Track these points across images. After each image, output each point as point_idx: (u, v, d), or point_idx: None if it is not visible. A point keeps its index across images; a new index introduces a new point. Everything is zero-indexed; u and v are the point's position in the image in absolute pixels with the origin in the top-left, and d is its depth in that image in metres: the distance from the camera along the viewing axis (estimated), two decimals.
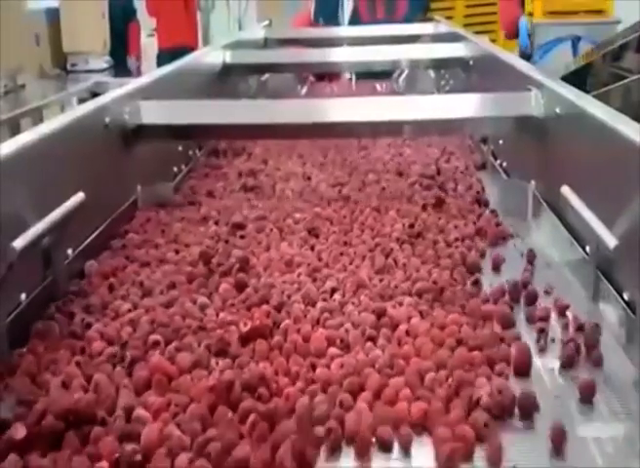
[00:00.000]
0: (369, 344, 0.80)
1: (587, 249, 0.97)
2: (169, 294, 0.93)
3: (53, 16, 4.54)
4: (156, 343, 0.80)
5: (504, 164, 1.51)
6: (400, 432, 0.65)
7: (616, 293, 0.88)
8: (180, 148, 1.60)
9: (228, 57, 2.16)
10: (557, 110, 1.16)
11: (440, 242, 1.10)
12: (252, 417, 0.66)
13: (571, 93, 1.15)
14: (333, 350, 0.79)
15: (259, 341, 0.80)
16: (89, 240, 1.08)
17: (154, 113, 1.33)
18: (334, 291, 0.94)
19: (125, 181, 1.28)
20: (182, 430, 0.65)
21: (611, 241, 0.85)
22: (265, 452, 0.62)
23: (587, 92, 2.45)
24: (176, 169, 1.55)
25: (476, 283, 0.96)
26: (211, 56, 2.09)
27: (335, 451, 0.64)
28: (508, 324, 0.85)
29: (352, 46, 2.64)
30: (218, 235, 1.15)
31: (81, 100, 3.98)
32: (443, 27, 2.81)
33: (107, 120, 1.20)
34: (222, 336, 0.80)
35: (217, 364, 0.76)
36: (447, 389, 0.71)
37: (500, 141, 1.55)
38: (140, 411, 0.68)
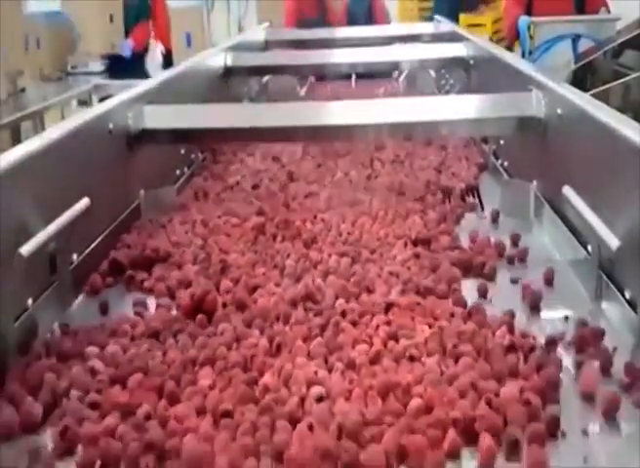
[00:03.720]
0: (349, 208, 1.29)
1: (589, 248, 0.97)
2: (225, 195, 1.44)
3: (53, 19, 4.55)
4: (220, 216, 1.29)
5: (506, 164, 1.51)
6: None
7: (617, 292, 0.88)
8: (183, 151, 1.61)
9: (230, 59, 2.17)
10: (558, 111, 1.17)
11: (416, 169, 1.56)
12: (279, 238, 1.17)
13: (572, 93, 1.16)
14: (329, 210, 1.28)
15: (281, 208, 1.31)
16: (94, 245, 1.09)
17: (157, 118, 1.34)
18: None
19: (128, 186, 1.29)
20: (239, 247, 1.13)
21: (613, 241, 0.85)
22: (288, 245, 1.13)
23: (587, 90, 2.46)
24: (178, 172, 1.56)
25: (430, 190, 1.40)
26: (212, 58, 2.09)
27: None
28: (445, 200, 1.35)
29: (353, 47, 2.65)
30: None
31: (81, 103, 3.99)
32: (443, 27, 2.81)
33: (111, 125, 1.21)
34: (261, 208, 1.30)
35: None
36: (393, 217, 1.23)
37: (502, 141, 1.55)
38: (208, 243, 1.14)
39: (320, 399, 0.72)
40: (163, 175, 1.47)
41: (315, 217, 1.24)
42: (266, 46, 2.81)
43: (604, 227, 0.89)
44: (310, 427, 0.67)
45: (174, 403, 0.73)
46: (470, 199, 1.38)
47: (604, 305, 0.92)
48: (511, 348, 0.79)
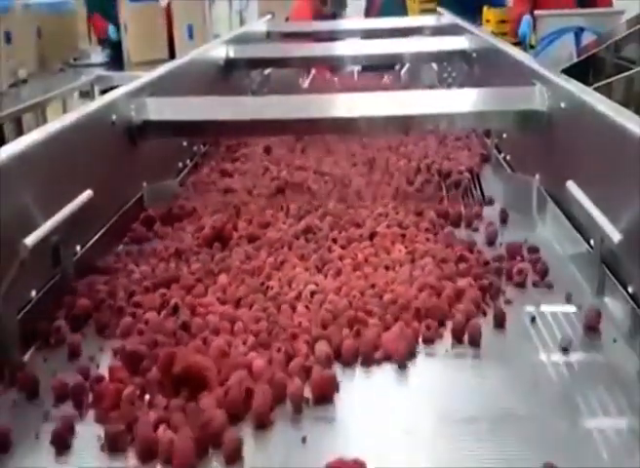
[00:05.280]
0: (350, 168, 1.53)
1: (592, 242, 0.97)
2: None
3: (55, 9, 4.53)
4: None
5: (508, 157, 1.51)
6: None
7: (620, 287, 0.88)
8: (185, 143, 1.61)
9: (231, 51, 2.16)
10: (562, 104, 1.16)
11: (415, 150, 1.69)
12: (288, 191, 1.38)
13: (576, 87, 1.15)
14: (333, 169, 1.51)
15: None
16: (97, 236, 1.09)
17: (160, 110, 1.33)
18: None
19: (131, 178, 1.29)
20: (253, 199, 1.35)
21: (615, 235, 0.85)
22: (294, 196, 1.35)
23: (590, 83, 2.45)
24: (181, 164, 1.56)
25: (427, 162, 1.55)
26: (214, 50, 2.09)
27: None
28: None
29: (355, 39, 2.64)
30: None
31: (83, 94, 3.97)
32: (445, 19, 2.80)
33: (114, 117, 1.21)
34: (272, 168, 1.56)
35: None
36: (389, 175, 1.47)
37: (504, 135, 1.55)
38: (227, 197, 1.35)
39: (314, 292, 0.92)
40: (166, 166, 1.47)
41: (319, 175, 1.47)
42: (268, 38, 2.80)
43: (607, 221, 0.89)
44: (307, 307, 0.89)
45: (199, 297, 0.93)
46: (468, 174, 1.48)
47: (607, 300, 0.92)
48: (462, 258, 1.02)
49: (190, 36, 5.29)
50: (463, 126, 1.57)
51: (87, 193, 1.01)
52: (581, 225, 1.04)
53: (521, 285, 0.98)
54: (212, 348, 0.78)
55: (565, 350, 0.82)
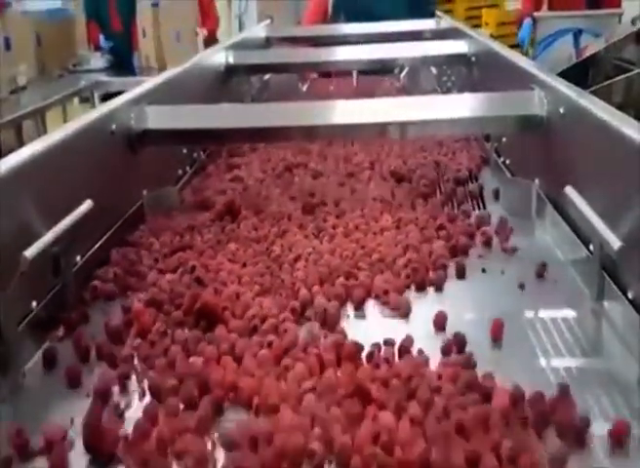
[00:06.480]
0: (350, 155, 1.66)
1: (591, 247, 0.97)
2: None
3: (54, 16, 4.54)
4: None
5: (507, 162, 1.51)
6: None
7: (620, 292, 0.88)
8: (185, 151, 1.61)
9: (231, 57, 2.17)
10: (561, 110, 1.17)
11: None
12: (294, 172, 1.58)
13: (575, 92, 1.16)
14: (334, 152, 1.68)
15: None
16: (97, 246, 1.10)
17: (160, 118, 1.34)
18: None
19: (131, 187, 1.29)
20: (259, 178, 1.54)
21: (615, 242, 0.85)
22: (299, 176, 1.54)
23: (589, 85, 2.45)
24: (180, 171, 1.57)
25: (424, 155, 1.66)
26: (214, 57, 2.09)
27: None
28: None
29: (353, 43, 2.64)
30: None
31: (82, 99, 3.97)
32: (445, 23, 2.80)
33: (114, 126, 1.21)
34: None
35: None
36: (386, 161, 1.62)
37: (504, 139, 1.55)
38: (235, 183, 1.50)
39: (310, 253, 1.07)
40: (166, 174, 1.47)
41: (323, 158, 1.64)
42: (268, 43, 2.80)
43: (606, 226, 0.89)
44: (305, 266, 1.04)
45: (211, 259, 1.09)
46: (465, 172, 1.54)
47: (606, 305, 0.92)
48: (441, 227, 1.18)
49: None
50: (463, 131, 1.58)
51: (87, 203, 1.02)
52: (581, 230, 1.04)
53: (488, 244, 1.15)
54: (224, 293, 0.95)
55: (522, 286, 0.99)
